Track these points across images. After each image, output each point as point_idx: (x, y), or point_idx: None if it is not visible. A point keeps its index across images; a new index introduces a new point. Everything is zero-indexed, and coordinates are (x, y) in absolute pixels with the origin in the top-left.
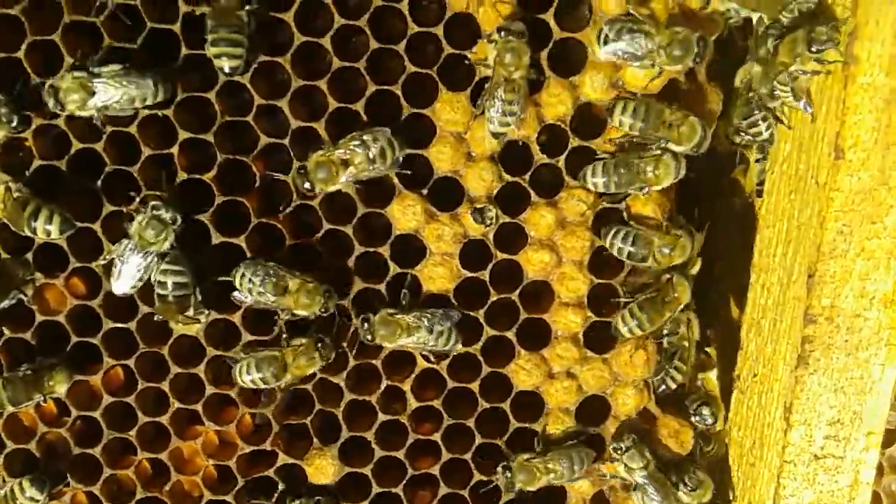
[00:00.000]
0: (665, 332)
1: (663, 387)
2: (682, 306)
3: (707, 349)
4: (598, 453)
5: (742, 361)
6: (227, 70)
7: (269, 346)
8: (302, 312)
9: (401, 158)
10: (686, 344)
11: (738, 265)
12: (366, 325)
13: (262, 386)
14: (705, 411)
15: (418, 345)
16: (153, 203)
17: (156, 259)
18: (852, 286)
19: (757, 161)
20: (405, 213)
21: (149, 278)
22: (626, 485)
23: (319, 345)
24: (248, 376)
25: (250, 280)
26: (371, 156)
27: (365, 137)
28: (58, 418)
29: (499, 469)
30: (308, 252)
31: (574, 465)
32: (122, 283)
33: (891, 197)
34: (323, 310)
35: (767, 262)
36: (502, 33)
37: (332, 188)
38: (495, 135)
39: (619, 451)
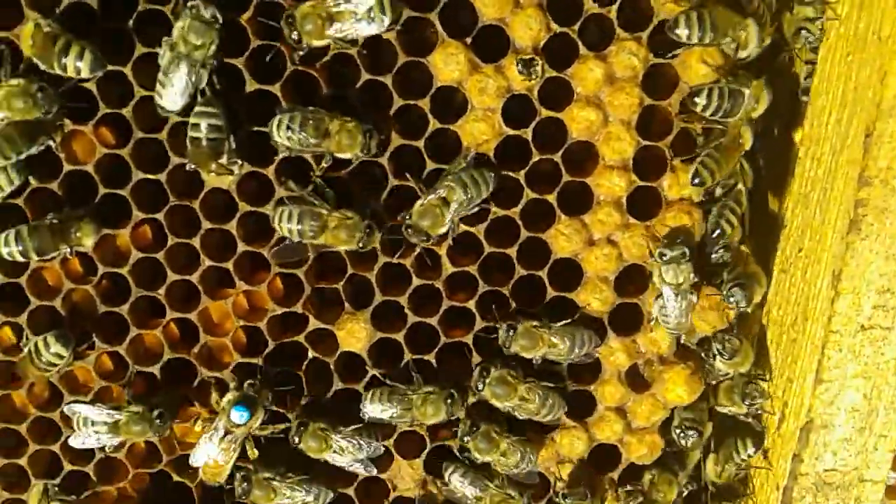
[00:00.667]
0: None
1: (718, 231)
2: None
3: None
4: (632, 328)
5: (785, 240)
6: None
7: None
8: (344, 155)
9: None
10: (741, 187)
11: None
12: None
13: (297, 238)
14: (738, 293)
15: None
16: (191, 3)
17: (203, 70)
18: None
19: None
20: (448, 63)
21: (196, 93)
22: (663, 357)
23: (367, 225)
24: (287, 224)
25: (288, 126)
26: (358, 15)
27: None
28: (83, 276)
29: (503, 326)
30: (344, 104)
31: (576, 346)
32: (172, 96)
33: None
34: (365, 150)
35: (819, 131)
36: None
37: (317, 42)
38: None
39: (663, 257)
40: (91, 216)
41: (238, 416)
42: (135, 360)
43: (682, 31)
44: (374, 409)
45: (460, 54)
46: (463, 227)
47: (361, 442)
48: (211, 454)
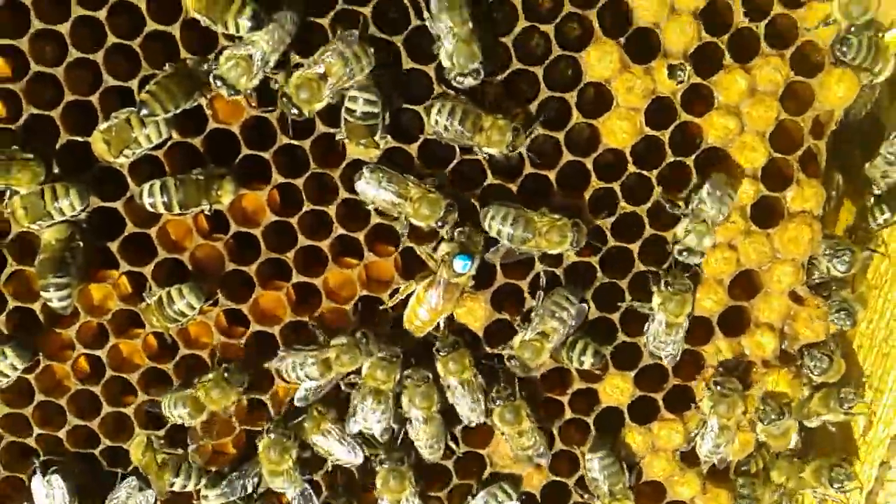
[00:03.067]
0: None
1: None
2: None
3: None
4: (738, 330)
5: (878, 258)
6: None
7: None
8: (491, 150)
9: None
10: None
11: None
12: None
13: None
14: (844, 317)
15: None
16: None
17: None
18: None
19: None
20: (602, 60)
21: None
22: (766, 361)
23: (574, 223)
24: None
25: (449, 115)
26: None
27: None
28: (210, 233)
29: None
30: (489, 91)
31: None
32: None
33: None
34: (509, 147)
35: None
36: None
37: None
38: None
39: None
40: (232, 175)
41: (461, 265)
42: (256, 319)
43: (850, 53)
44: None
45: (614, 53)
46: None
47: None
48: (432, 303)
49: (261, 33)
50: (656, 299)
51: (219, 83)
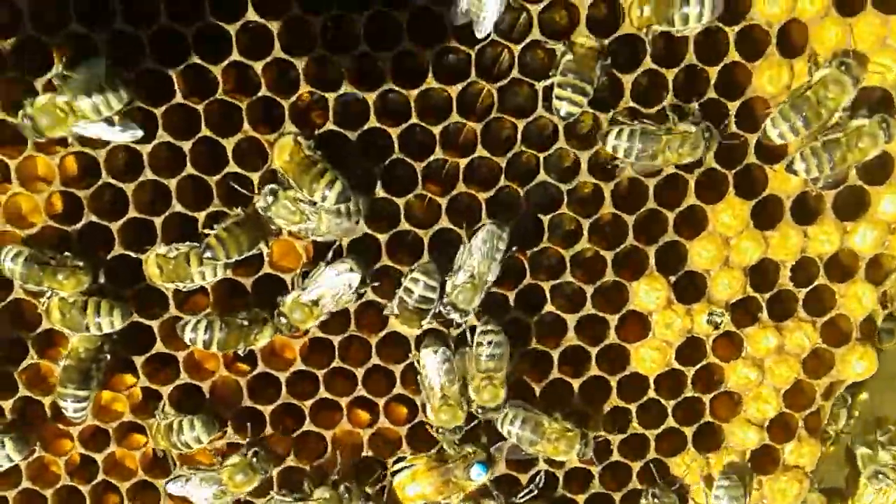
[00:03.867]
0: None
1: None
2: None
3: None
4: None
5: None
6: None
7: None
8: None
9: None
10: None
11: None
12: None
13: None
14: None
15: None
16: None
17: None
18: None
19: None
20: (649, 294)
21: None
22: None
23: (583, 434)
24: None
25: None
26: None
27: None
28: (233, 363)
29: None
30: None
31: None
32: None
33: None
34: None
35: None
36: (839, 64)
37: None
38: (770, 140)
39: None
40: (273, 321)
41: (477, 473)
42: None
43: None
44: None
45: (662, 291)
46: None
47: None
48: (426, 488)
49: (331, 218)
50: None
51: (269, 199)
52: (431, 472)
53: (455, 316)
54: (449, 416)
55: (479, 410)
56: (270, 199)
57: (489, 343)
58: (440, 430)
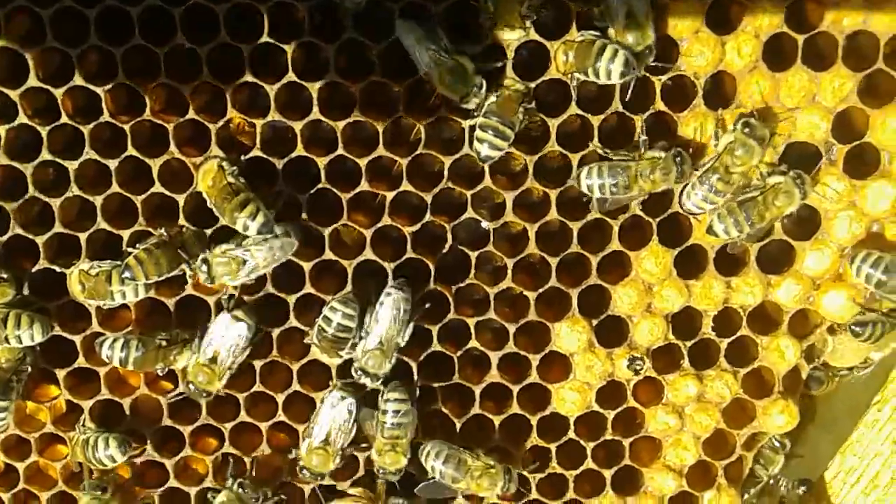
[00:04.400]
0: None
1: None
2: None
3: None
4: None
5: None
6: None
7: None
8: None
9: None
10: None
11: None
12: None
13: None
14: None
15: None
16: None
17: None
18: None
19: None
20: (570, 335)
21: None
22: None
23: (506, 469)
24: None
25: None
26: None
27: None
28: (156, 382)
29: None
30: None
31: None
32: None
33: None
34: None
35: (839, 486)
36: (743, 126)
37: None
38: (689, 211)
39: None
40: (191, 343)
41: None
42: (175, 475)
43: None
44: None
45: (584, 334)
46: None
47: None
48: None
49: (264, 249)
50: None
51: (203, 268)
52: None
53: (366, 381)
54: (319, 462)
55: (379, 471)
56: (205, 268)
57: (395, 412)
58: (303, 469)
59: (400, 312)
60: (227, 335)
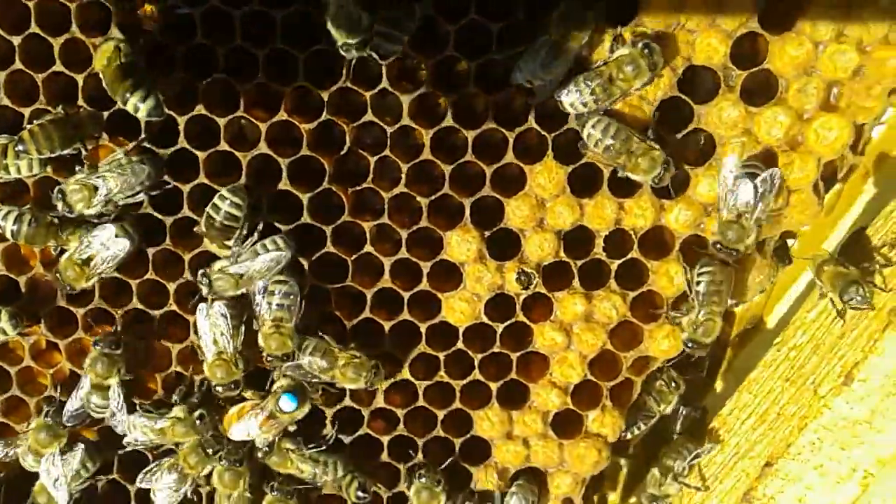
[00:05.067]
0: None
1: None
2: None
3: None
4: None
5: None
6: None
7: None
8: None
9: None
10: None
11: None
12: None
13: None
14: None
15: None
16: None
17: None
18: (796, 491)
19: None
20: (461, 245)
21: None
22: None
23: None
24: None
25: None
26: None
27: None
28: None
29: None
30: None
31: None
32: None
33: (869, 433)
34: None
35: (732, 422)
36: (643, 47)
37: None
38: (563, 107)
39: None
40: (84, 226)
41: (286, 403)
42: (68, 356)
43: None
44: None
45: (474, 243)
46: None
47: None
48: (251, 432)
49: (115, 175)
50: (413, 488)
51: (59, 196)
52: (255, 409)
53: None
54: (224, 373)
55: (268, 359)
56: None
57: (280, 292)
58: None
59: (275, 268)
60: (109, 246)
